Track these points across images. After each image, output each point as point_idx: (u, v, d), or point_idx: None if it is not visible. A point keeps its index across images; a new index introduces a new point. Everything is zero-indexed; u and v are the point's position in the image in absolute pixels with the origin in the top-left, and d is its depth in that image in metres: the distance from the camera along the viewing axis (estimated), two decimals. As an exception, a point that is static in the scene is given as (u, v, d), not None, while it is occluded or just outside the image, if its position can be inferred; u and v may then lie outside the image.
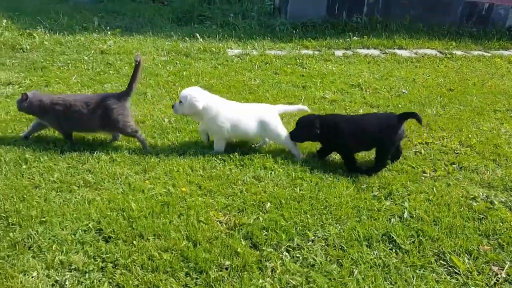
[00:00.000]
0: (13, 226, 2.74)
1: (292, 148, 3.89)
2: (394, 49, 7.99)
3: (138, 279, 2.47)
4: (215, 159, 3.72)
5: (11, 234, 2.66)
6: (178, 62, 6.43)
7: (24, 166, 3.38)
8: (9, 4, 9.91)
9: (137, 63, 3.72)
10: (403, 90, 5.80)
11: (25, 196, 3.03)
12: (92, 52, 6.66)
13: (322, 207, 3.20)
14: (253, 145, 4.05)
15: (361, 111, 4.95)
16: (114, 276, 2.48)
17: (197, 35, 7.76)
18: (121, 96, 3.76)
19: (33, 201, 2.97)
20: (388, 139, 3.66)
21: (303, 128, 3.82)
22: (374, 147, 3.77)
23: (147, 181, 3.33)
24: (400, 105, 5.26)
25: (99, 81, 5.45)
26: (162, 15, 10.25)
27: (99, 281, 2.44)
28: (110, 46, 6.91)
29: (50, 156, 3.55)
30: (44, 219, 2.81)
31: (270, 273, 2.61)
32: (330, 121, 3.75)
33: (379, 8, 9.62)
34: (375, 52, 7.68)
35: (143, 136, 3.87)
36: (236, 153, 3.80)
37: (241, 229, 2.91)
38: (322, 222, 3.05)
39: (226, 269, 2.60)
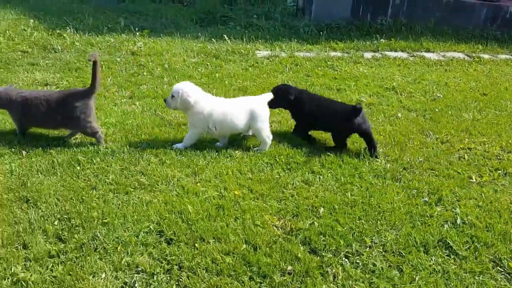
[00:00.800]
0: (76, 228, 2.76)
1: (266, 142, 3.93)
2: (421, 52, 7.95)
3: (204, 282, 2.49)
4: (262, 162, 3.73)
5: (76, 235, 2.69)
6: (208, 63, 6.45)
7: (78, 168, 3.41)
8: (34, 4, 9.99)
9: (93, 62, 3.71)
10: (438, 94, 5.78)
11: (83, 197, 3.06)
12: (123, 53, 6.70)
13: (376, 212, 3.20)
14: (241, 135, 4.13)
15: (399, 115, 4.94)
16: (181, 278, 2.50)
17: (225, 36, 7.77)
18: (85, 94, 3.75)
19: (92, 203, 3.00)
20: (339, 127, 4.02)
21: (278, 95, 4.09)
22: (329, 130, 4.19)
23: (198, 184, 3.35)
24: (437, 109, 5.24)
25: (134, 82, 5.49)
26: (184, 16, 10.29)
27: (167, 283, 2.46)
28: (140, 47, 6.95)
29: (101, 158, 3.58)
30: (105, 221, 2.84)
31: (332, 279, 2.62)
32: (300, 93, 4.21)
33: (403, 10, 9.59)
34: (403, 55, 7.65)
35: (102, 137, 3.83)
36: (282, 157, 3.81)
37: (298, 234, 2.92)
38: (378, 228, 3.05)
39: (289, 274, 2.61)
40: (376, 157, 3.96)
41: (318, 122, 4.14)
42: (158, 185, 3.29)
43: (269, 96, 4.03)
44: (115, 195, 3.14)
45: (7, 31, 7.32)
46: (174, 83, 5.56)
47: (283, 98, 4.16)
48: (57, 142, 3.78)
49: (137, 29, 7.80)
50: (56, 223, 2.78)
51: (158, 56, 6.65)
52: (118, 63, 6.23)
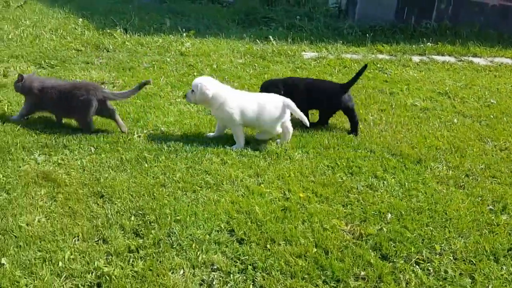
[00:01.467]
0: (152, 224, 2.83)
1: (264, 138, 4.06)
2: (468, 56, 7.78)
3: (280, 284, 2.51)
4: (323, 165, 3.73)
5: (152, 231, 2.76)
6: (256, 64, 6.50)
7: (146, 165, 3.49)
8: (82, 4, 10.26)
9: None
10: (491, 100, 5.65)
11: (155, 194, 3.13)
12: (172, 53, 6.82)
13: (443, 219, 3.16)
14: (274, 141, 4.11)
15: (455, 121, 4.86)
16: (256, 278, 2.53)
17: (270, 37, 7.80)
18: (98, 89, 4.00)
19: (163, 200, 3.07)
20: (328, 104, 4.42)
21: (268, 91, 4.20)
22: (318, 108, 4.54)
23: (262, 185, 3.38)
24: (492, 116, 5.12)
25: (186, 82, 5.57)
26: (224, 16, 10.39)
27: (244, 283, 2.50)
28: (188, 48, 7.06)
29: (166, 156, 3.66)
30: (178, 218, 2.90)
31: (405, 285, 2.60)
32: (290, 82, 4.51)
33: (448, 13, 9.42)
34: (451, 59, 7.50)
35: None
36: (342, 160, 3.81)
37: (368, 240, 2.91)
38: (446, 235, 3.01)
39: (363, 279, 2.60)
40: (356, 134, 4.35)
41: (311, 102, 4.45)
42: (223, 184, 3.34)
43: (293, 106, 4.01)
44: (184, 193, 3.20)
45: (59, 30, 7.55)
46: (223, 81, 5.64)
47: (276, 91, 4.26)
48: (123, 140, 3.88)
49: (184, 30, 7.91)
50: (132, 218, 2.86)
51: (206, 57, 6.74)
52: (168, 63, 6.34)
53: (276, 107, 3.92)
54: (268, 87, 4.43)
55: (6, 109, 4.36)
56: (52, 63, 5.91)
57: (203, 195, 3.18)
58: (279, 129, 4.01)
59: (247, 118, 3.92)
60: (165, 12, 10.31)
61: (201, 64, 6.39)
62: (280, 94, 4.15)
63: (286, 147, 3.97)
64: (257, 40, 7.85)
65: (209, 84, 3.87)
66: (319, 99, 4.43)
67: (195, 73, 5.97)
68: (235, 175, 3.47)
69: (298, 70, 6.38)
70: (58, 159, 3.51)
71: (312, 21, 9.49)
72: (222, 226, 2.88)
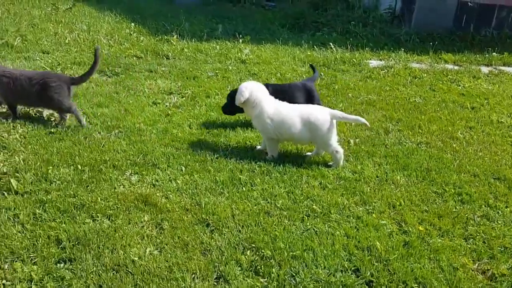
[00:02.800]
0: (269, 260, 2.59)
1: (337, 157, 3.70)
2: (538, 67, 7.35)
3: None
4: (430, 191, 3.45)
5: (273, 270, 2.52)
6: (322, 74, 6.23)
7: (243, 188, 3.27)
8: (130, 7, 10.17)
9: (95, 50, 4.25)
10: None
11: (262, 223, 2.90)
12: (233, 61, 6.60)
13: None
14: (305, 154, 3.89)
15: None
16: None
17: (331, 44, 7.52)
18: (64, 78, 4.13)
19: (273, 231, 2.83)
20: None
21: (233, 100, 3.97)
22: None
23: (373, 215, 3.11)
24: None
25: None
26: (270, 20, 10.16)
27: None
28: (247, 55, 6.83)
29: (261, 178, 3.42)
30: (294, 254, 2.65)
31: None
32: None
33: (509, 22, 8.99)
34: (522, 70, 7.10)
35: (79, 113, 4.12)
36: (449, 186, 3.51)
37: (503, 281, 2.62)
38: None
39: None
40: None
41: None
42: (331, 213, 3.08)
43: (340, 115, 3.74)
44: (292, 222, 2.96)
45: (114, 35, 7.42)
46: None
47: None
48: (210, 158, 3.66)
49: (239, 35, 7.69)
50: (247, 253, 2.63)
51: (267, 65, 6.50)
52: (231, 71, 6.13)
53: (321, 120, 3.62)
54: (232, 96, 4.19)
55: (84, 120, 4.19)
56: (116, 71, 5.75)
57: (313, 226, 2.93)
58: (335, 146, 3.69)
59: (286, 133, 3.68)
60: (211, 16, 10.15)
61: (264, 73, 6.15)
62: None
63: (386, 170, 3.70)
64: (315, 47, 7.59)
65: (247, 90, 3.71)
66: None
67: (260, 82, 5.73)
68: (341, 202, 3.21)
69: (368, 80, 6.09)
70: (152, 179, 3.31)
71: (365, 27, 9.18)
72: (345, 265, 2.63)
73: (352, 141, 4.19)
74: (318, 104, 4.26)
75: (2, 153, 3.41)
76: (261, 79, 5.92)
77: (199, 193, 3.18)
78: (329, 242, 2.79)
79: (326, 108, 3.77)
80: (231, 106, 4.09)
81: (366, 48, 7.61)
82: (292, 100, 4.00)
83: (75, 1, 10.16)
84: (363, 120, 3.76)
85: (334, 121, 3.68)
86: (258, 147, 3.96)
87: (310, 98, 4.45)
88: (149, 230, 2.76)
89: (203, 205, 3.03)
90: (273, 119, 3.69)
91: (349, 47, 7.58)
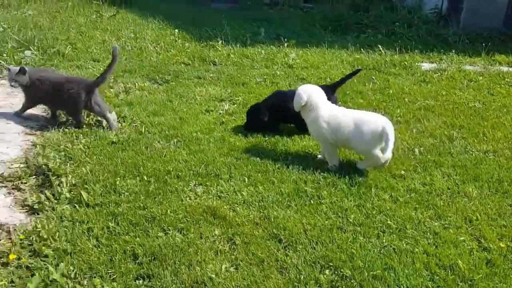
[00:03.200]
0: (350, 281, 2.48)
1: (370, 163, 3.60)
2: None
3: None
4: (506, 205, 3.25)
5: (357, 292, 2.42)
6: (374, 77, 6.07)
7: (311, 201, 3.17)
8: (167, 13, 10.25)
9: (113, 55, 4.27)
10: None
11: (336, 240, 2.79)
12: (279, 65, 6.53)
13: None
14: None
15: None
16: None
17: (379, 46, 7.34)
18: (85, 84, 4.21)
19: (349, 248, 2.72)
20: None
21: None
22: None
23: (449, 230, 2.96)
24: None
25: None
26: (310, 22, 10.03)
27: None
28: (294, 59, 6.74)
29: (327, 190, 3.31)
30: (374, 273, 2.53)
31: None
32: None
33: None
34: None
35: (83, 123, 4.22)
36: (524, 199, 3.32)
37: None
38: None
39: None
40: None
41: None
42: (406, 229, 2.94)
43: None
44: (366, 239, 2.84)
45: (159, 42, 7.47)
46: (342, 99, 5.27)
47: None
48: (272, 168, 3.58)
49: (284, 39, 7.60)
50: (326, 272, 2.52)
51: (315, 69, 6.40)
52: (279, 76, 6.05)
53: (374, 129, 3.45)
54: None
55: (142, 130, 4.19)
56: (166, 78, 5.76)
57: (390, 243, 2.80)
58: (382, 156, 3.48)
59: (340, 138, 3.60)
60: (250, 20, 10.11)
61: (313, 77, 6.04)
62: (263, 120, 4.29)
63: (456, 181, 3.53)
64: (362, 49, 7.43)
65: (305, 94, 3.68)
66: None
67: (313, 89, 5.63)
68: (416, 217, 3.06)
69: (422, 84, 5.89)
70: (216, 191, 3.25)
71: (410, 28, 8.93)
72: (428, 285, 2.49)
73: (417, 150, 4.02)
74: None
75: (69, 164, 3.44)
76: (309, 83, 5.81)
77: (266, 206, 3.10)
78: (409, 261, 2.65)
79: (384, 118, 3.59)
80: (253, 123, 4.35)
81: (415, 50, 7.38)
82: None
83: (118, 8, 10.33)
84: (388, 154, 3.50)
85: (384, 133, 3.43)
86: (319, 156, 3.86)
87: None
88: (221, 245, 2.70)
89: (273, 219, 2.94)
90: (329, 123, 3.63)
91: (397, 49, 7.37)
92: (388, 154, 3.51)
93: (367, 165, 3.62)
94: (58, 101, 4.17)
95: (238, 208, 3.06)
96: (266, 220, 2.95)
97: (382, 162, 3.54)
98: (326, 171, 3.58)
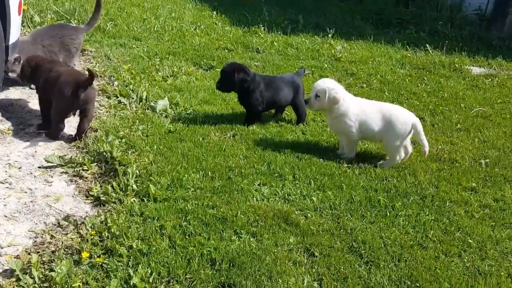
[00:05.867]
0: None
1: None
2: None
3: None
4: None
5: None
6: (425, 78, 5.84)
7: (387, 213, 3.00)
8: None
9: None
10: None
11: (418, 258, 2.62)
12: (326, 58, 6.30)
13: None
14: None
15: None
16: None
17: (427, 46, 7.07)
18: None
19: (433, 267, 2.56)
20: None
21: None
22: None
23: (533, 254, 2.79)
24: None
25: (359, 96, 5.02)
26: (349, 13, 9.71)
27: None
28: (340, 51, 6.50)
29: (401, 201, 3.14)
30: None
31: None
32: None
33: None
34: None
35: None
36: None
37: None
38: None
39: None
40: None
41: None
42: (486, 249, 2.77)
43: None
44: (448, 257, 2.67)
45: (199, 24, 7.23)
46: (397, 99, 5.07)
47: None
48: (337, 171, 3.42)
49: (331, 30, 7.34)
50: (414, 294, 2.38)
51: (363, 64, 6.16)
52: (326, 70, 5.83)
53: (404, 123, 3.53)
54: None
55: (197, 119, 4.02)
56: (211, 63, 5.56)
57: (472, 263, 2.63)
58: (402, 153, 3.59)
59: (367, 132, 3.59)
60: (287, 6, 9.81)
61: (363, 73, 5.82)
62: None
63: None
64: (407, 47, 7.16)
65: (338, 88, 3.60)
66: None
67: (364, 85, 5.43)
68: (494, 236, 2.89)
69: (474, 89, 5.65)
70: (283, 193, 3.09)
71: (453, 28, 8.61)
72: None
73: (483, 162, 3.83)
74: (301, 100, 4.17)
75: (130, 152, 3.28)
76: (361, 80, 5.61)
77: (340, 215, 2.93)
78: (494, 283, 2.50)
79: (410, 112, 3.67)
80: (226, 83, 4.00)
81: (463, 52, 7.10)
82: (277, 93, 4.10)
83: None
84: (427, 148, 3.60)
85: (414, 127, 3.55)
86: (338, 151, 3.75)
87: (295, 93, 4.23)
88: (298, 255, 2.54)
89: (349, 230, 2.78)
90: (359, 119, 3.56)
91: (444, 49, 7.10)
92: (412, 149, 3.65)
93: (390, 164, 3.58)
94: None
95: (309, 215, 2.90)
96: (342, 230, 2.79)
97: (403, 157, 3.60)
98: (395, 178, 3.40)
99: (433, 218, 3.01)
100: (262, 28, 7.18)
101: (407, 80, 5.71)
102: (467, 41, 7.97)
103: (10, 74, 3.85)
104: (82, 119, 3.41)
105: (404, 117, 3.56)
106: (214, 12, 8.06)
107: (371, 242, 2.70)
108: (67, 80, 3.30)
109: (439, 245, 2.77)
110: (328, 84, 3.61)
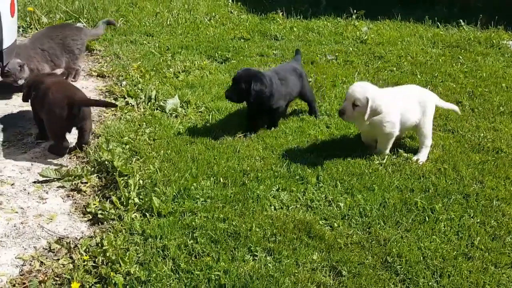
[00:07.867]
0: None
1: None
2: None
3: None
4: None
5: None
6: (460, 57, 5.29)
7: (425, 218, 2.59)
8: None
9: None
10: None
11: (463, 270, 2.22)
12: (351, 40, 5.83)
13: None
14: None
15: None
16: None
17: (461, 21, 6.47)
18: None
19: (479, 281, 2.17)
20: None
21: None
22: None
23: None
24: None
25: (389, 81, 4.56)
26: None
27: None
28: (366, 33, 6.01)
29: (442, 202, 2.72)
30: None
31: None
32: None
33: None
34: None
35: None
36: None
37: None
38: None
39: None
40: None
41: None
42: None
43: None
44: (499, 269, 2.27)
45: (214, 14, 6.88)
46: (431, 82, 4.59)
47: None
48: (367, 170, 3.02)
49: (355, 11, 6.82)
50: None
51: (392, 45, 5.67)
52: (351, 53, 5.38)
53: (433, 103, 3.33)
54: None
55: (209, 118, 3.70)
56: (226, 55, 5.21)
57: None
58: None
59: (407, 124, 3.25)
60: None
61: (391, 55, 5.34)
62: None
63: None
64: (439, 24, 6.57)
65: (378, 95, 3.05)
66: None
67: (394, 69, 4.95)
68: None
69: (515, 67, 5.08)
70: (306, 199, 2.73)
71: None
72: None
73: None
74: (308, 89, 3.86)
75: (134, 159, 2.99)
76: (390, 63, 5.13)
77: (371, 222, 2.55)
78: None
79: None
80: (239, 94, 3.42)
81: (499, 26, 6.45)
82: (288, 85, 3.62)
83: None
84: (456, 108, 3.58)
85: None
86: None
87: (301, 82, 3.75)
88: (323, 276, 2.19)
89: (382, 242, 2.40)
90: (401, 117, 3.18)
91: (478, 24, 6.47)
92: None
93: (426, 153, 3.25)
94: None
95: (336, 224, 2.53)
96: (374, 242, 2.41)
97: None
98: (433, 175, 2.98)
99: (479, 221, 2.59)
100: (281, 14, 6.75)
101: (440, 60, 5.19)
102: (503, 13, 7.27)
103: (19, 82, 3.67)
104: (82, 133, 3.14)
105: (432, 98, 3.36)
106: (230, 1, 7.68)
107: (407, 255, 2.31)
108: (59, 100, 3.00)
109: (487, 254, 2.37)
110: (368, 92, 3.02)
